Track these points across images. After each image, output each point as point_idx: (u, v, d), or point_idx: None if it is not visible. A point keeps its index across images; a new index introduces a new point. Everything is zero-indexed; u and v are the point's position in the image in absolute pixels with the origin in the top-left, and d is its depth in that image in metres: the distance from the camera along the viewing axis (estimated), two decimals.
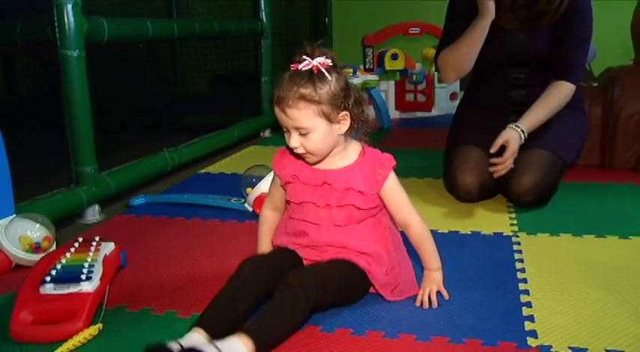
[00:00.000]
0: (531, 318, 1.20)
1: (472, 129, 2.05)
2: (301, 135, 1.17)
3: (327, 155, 1.22)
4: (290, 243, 1.29)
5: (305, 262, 1.28)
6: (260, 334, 1.03)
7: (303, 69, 1.15)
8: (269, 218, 1.37)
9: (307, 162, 1.23)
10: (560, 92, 1.90)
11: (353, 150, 1.25)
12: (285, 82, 1.15)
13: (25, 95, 4.02)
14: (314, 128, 1.15)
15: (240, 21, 3.18)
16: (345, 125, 1.19)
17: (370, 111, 1.23)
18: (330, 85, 1.15)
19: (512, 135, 1.82)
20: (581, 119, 2.07)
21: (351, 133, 1.23)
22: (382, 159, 1.24)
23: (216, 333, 1.04)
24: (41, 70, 3.84)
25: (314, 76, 1.14)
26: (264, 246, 1.36)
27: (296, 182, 1.26)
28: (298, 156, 1.23)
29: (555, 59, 1.92)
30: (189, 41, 3.94)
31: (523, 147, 1.87)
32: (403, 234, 1.32)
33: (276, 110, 1.17)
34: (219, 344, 1.00)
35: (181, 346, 1.00)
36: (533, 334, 1.13)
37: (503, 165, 1.80)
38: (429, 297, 1.26)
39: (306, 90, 1.13)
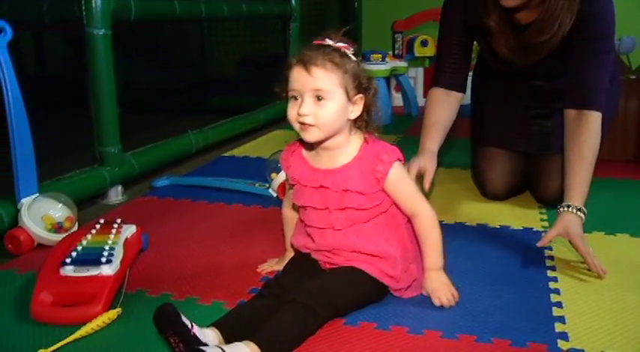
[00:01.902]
0: (562, 319, 1.15)
1: (494, 125, 1.93)
2: (317, 101, 1.10)
3: (329, 138, 1.14)
4: (302, 246, 1.25)
5: (322, 264, 1.24)
6: (267, 342, 0.98)
7: (329, 44, 1.12)
8: (289, 217, 1.33)
9: (305, 140, 1.14)
10: (589, 131, 1.51)
11: (354, 144, 1.18)
12: (311, 48, 1.11)
13: (51, 73, 4.04)
14: (333, 95, 1.10)
15: (269, 3, 3.14)
16: (357, 110, 1.14)
17: (380, 111, 1.19)
18: (355, 64, 1.12)
19: (569, 220, 1.39)
20: (611, 94, 1.74)
21: (357, 124, 1.17)
22: (382, 154, 1.16)
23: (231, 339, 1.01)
24: (68, 47, 3.85)
25: (340, 51, 1.12)
26: (289, 246, 1.34)
27: (297, 184, 1.22)
28: (300, 142, 1.19)
29: (572, 80, 1.58)
30: (217, 22, 3.92)
31: (548, 150, 1.81)
32: None
33: (297, 70, 1.10)
34: (227, 347, 0.95)
35: (192, 325, 0.97)
36: (564, 336, 1.09)
37: (590, 258, 1.36)
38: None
39: (335, 58, 1.10)
